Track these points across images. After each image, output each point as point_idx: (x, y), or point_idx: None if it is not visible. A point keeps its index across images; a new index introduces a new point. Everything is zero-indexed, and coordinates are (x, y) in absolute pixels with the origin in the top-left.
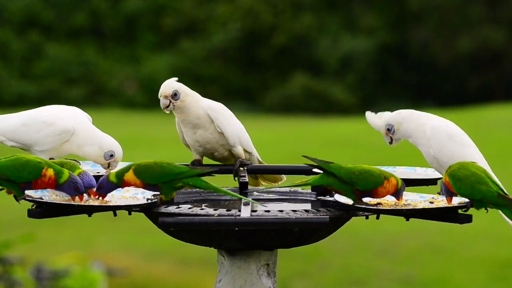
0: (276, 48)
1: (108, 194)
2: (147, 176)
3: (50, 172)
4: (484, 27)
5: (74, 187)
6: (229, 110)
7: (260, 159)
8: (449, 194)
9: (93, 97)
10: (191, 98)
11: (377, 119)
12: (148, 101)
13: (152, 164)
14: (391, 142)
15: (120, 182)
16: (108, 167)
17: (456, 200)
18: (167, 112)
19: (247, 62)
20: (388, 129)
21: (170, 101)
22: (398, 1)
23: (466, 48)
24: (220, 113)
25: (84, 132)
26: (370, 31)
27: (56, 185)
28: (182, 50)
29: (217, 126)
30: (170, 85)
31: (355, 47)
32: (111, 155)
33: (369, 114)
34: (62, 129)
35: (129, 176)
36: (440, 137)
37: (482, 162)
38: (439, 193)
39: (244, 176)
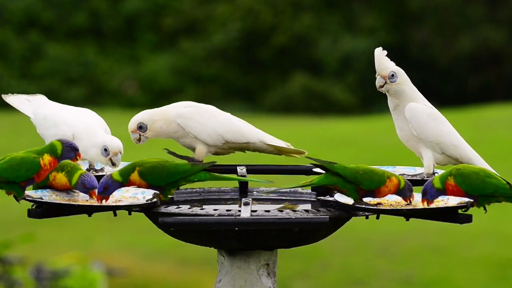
0: (276, 48)
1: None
2: (154, 178)
3: (46, 158)
4: (484, 27)
5: (71, 148)
6: (211, 107)
7: (270, 142)
8: (433, 195)
9: (93, 97)
10: (160, 122)
11: (386, 60)
12: (148, 101)
13: (157, 165)
14: (382, 87)
15: (126, 180)
16: (113, 164)
17: (456, 200)
18: (142, 143)
19: (247, 62)
20: (392, 75)
21: (140, 135)
22: (398, 1)
23: (466, 48)
24: (190, 117)
25: (86, 138)
26: (370, 31)
27: (57, 161)
28: (182, 50)
29: (188, 132)
30: (133, 120)
31: (355, 47)
32: (105, 149)
33: (380, 50)
34: (62, 135)
35: (134, 176)
36: (420, 117)
37: (459, 139)
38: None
39: (245, 176)
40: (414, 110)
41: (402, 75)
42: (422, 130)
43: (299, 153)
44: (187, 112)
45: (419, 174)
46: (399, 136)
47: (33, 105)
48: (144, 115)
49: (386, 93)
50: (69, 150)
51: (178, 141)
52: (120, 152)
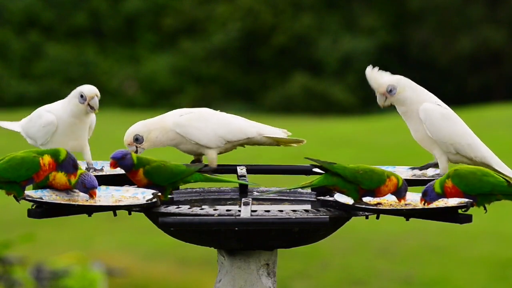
0: (276, 48)
1: (108, 194)
2: (159, 177)
3: (46, 159)
4: (484, 27)
5: (73, 164)
6: (205, 110)
7: (268, 134)
8: (432, 198)
9: None
10: (156, 131)
11: (379, 76)
12: (148, 101)
13: (161, 164)
14: (383, 102)
15: (136, 168)
16: (91, 108)
17: (456, 200)
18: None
19: (247, 62)
20: (390, 90)
21: (136, 146)
22: (398, 1)
23: (466, 48)
24: (188, 125)
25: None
26: (370, 31)
27: (56, 165)
28: (182, 50)
29: (189, 140)
30: (129, 132)
31: (355, 47)
32: (82, 96)
33: (371, 69)
34: (46, 121)
35: (139, 173)
36: (435, 118)
37: (473, 137)
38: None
39: (245, 177)
40: (427, 111)
41: (400, 83)
42: (436, 131)
43: (297, 142)
44: (184, 120)
45: (436, 174)
46: (414, 137)
47: (20, 122)
48: (139, 126)
49: (392, 104)
50: (70, 163)
51: (177, 147)
52: (97, 96)
